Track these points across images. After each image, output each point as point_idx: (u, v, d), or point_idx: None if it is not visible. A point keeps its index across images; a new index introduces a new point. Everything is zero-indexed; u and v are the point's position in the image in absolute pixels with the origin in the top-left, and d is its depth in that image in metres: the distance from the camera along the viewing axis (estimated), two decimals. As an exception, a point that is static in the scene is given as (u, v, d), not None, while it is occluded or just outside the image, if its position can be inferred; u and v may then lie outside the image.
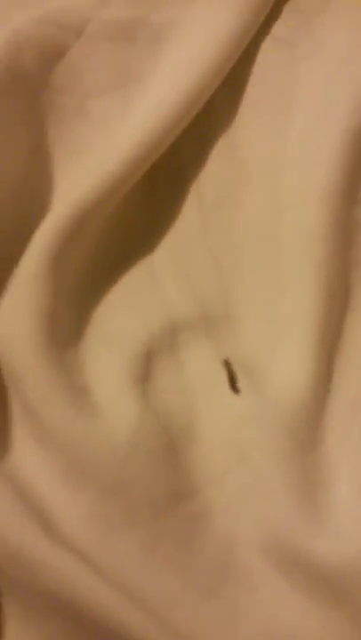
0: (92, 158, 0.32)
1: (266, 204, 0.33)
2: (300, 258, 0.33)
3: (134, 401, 0.32)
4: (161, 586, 0.28)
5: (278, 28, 0.32)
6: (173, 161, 0.34)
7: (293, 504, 0.30)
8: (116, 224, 0.34)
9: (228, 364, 0.33)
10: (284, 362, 0.32)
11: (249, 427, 0.31)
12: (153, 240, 0.35)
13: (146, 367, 0.33)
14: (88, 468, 0.29)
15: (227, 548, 0.30)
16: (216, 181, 0.34)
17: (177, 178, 0.35)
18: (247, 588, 0.29)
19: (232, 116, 0.34)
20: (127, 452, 0.30)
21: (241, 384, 0.34)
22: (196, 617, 0.28)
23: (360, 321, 0.33)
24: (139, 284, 0.34)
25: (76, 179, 0.31)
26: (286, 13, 0.32)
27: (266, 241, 0.33)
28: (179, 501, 0.31)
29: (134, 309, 0.34)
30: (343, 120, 0.31)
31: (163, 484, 0.31)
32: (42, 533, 0.26)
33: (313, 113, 0.32)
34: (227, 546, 0.30)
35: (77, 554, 0.26)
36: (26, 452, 0.29)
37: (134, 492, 0.30)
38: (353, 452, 0.31)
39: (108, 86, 0.32)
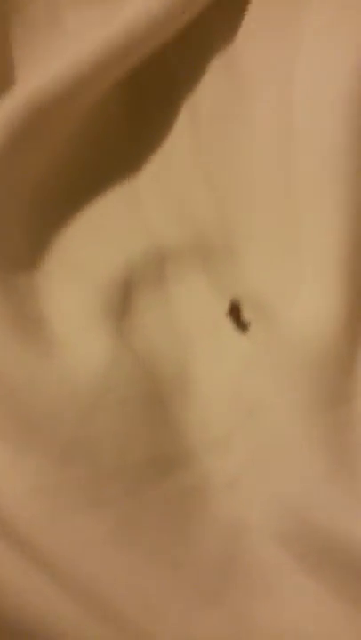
0: (61, 60, 0.28)
1: (274, 118, 0.29)
2: (321, 174, 0.28)
3: (105, 337, 0.25)
4: (140, 592, 0.20)
5: None
6: (165, 78, 0.32)
7: (323, 473, 0.22)
8: (93, 142, 0.31)
9: (233, 300, 0.26)
10: (305, 296, 0.27)
11: (260, 374, 0.25)
12: (139, 162, 0.31)
13: (123, 300, 0.27)
14: (38, 423, 0.22)
15: (232, 537, 0.22)
16: (214, 98, 0.31)
17: (168, 95, 0.32)
18: (260, 591, 0.21)
19: (233, 30, 0.31)
20: (92, 402, 0.23)
21: (249, 323, 0.26)
22: (191, 633, 0.20)
23: None
24: (120, 209, 0.30)
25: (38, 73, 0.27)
26: None
27: (275, 159, 0.29)
28: (166, 472, 0.23)
29: (112, 236, 0.29)
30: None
31: (142, 447, 0.23)
32: None
33: (325, 25, 0.29)
34: (232, 533, 0.22)
35: (20, 546, 0.20)
36: None
37: (100, 457, 0.22)
38: None
39: None
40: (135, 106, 0.32)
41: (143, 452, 0.23)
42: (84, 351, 0.24)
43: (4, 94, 0.28)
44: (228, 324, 0.27)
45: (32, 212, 0.28)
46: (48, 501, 0.21)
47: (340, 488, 0.22)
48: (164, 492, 0.22)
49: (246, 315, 0.27)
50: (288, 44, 0.29)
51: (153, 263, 0.28)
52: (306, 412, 0.24)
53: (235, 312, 0.26)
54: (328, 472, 0.22)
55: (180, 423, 0.24)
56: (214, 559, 0.21)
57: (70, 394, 0.23)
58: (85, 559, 0.20)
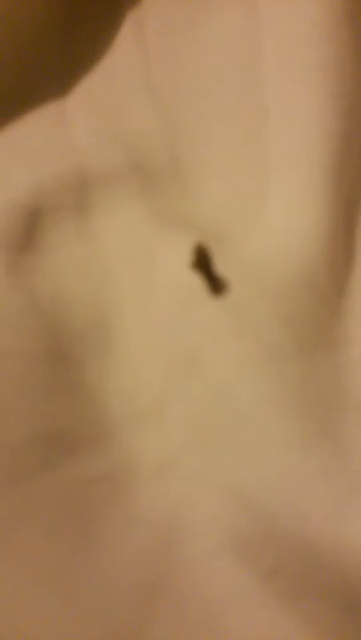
0: None
1: (236, 26, 0.27)
2: (291, 74, 0.25)
3: None
4: (17, 615, 0.14)
5: None
6: None
7: (291, 444, 0.16)
8: (19, 56, 0.27)
9: (199, 245, 0.20)
10: (274, 218, 0.22)
11: (203, 319, 0.19)
12: (68, 80, 0.28)
13: (25, 230, 0.22)
14: None
15: (160, 543, 0.16)
16: (164, 6, 0.28)
17: (108, 4, 0.29)
18: (202, 622, 0.14)
19: None
20: None
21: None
22: None
23: None
24: (37, 127, 0.26)
25: None
26: None
27: (237, 70, 0.26)
28: (63, 457, 0.17)
29: (21, 157, 0.25)
30: None
31: (29, 423, 0.17)
32: None
33: None
34: (160, 538, 0.16)
35: None
36: None
37: None
38: None
39: None
40: (69, 13, 0.29)
41: (32, 428, 0.17)
42: None
43: None
44: (165, 259, 0.21)
45: None
46: None
47: (313, 470, 0.15)
48: (56, 486, 0.16)
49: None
50: None
51: (72, 188, 0.24)
52: (267, 363, 0.18)
53: (203, 261, 0.19)
54: (296, 447, 0.16)
55: (94, 389, 0.19)
56: (132, 580, 0.15)
57: None
58: None
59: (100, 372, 0.19)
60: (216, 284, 0.19)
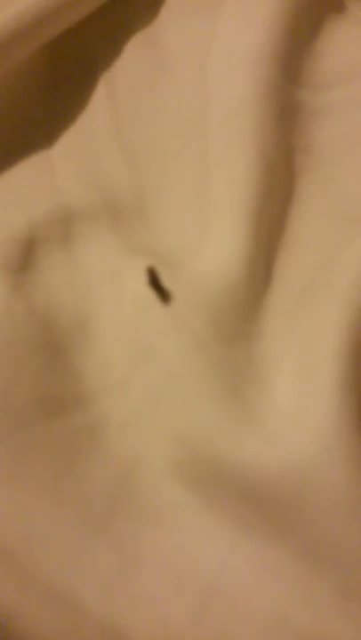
0: None
1: (189, 88, 0.32)
2: (229, 136, 0.31)
3: None
4: (22, 522, 0.20)
5: None
6: (83, 53, 0.34)
7: (214, 404, 0.23)
8: (7, 112, 0.33)
9: (150, 268, 0.27)
10: (209, 247, 0.28)
11: (156, 318, 0.26)
12: (54, 132, 0.33)
13: (24, 256, 0.28)
14: None
15: (125, 470, 0.22)
16: (132, 72, 0.34)
17: (86, 70, 0.34)
18: (151, 522, 0.21)
19: (152, 13, 0.34)
20: None
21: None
22: (73, 561, 0.20)
23: (307, 215, 0.30)
24: (31, 175, 0.31)
25: None
26: None
27: (190, 125, 0.32)
28: (56, 412, 0.24)
29: (18, 198, 0.30)
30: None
31: (30, 389, 0.23)
32: None
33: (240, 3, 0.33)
34: (125, 467, 0.23)
35: None
36: None
37: None
38: (299, 348, 0.25)
39: None
40: (53, 79, 0.34)
41: (31, 393, 0.23)
42: None
43: None
44: (129, 278, 0.28)
45: None
46: None
47: (232, 417, 0.23)
48: (52, 431, 0.23)
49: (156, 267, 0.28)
50: (206, 20, 0.33)
51: (58, 223, 0.29)
52: (198, 350, 0.25)
53: (153, 279, 0.26)
54: (220, 403, 0.23)
55: (78, 369, 0.25)
56: (103, 492, 0.22)
57: None
58: None
59: (81, 357, 0.25)
60: (164, 295, 0.27)
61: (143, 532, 0.21)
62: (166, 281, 0.27)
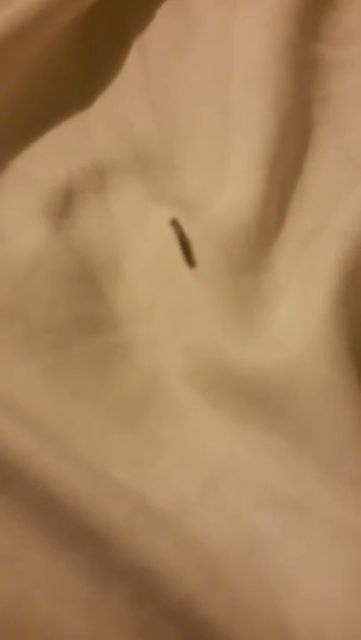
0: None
1: (216, 49, 0.35)
2: (249, 89, 0.34)
3: (41, 229, 0.30)
4: (63, 414, 0.25)
5: None
6: (117, 20, 0.38)
7: (225, 321, 0.28)
8: (49, 76, 0.37)
9: (173, 220, 0.30)
10: (228, 193, 0.32)
11: (178, 249, 0.30)
12: (90, 94, 0.37)
13: (64, 204, 0.32)
14: None
15: (149, 380, 0.27)
16: (162, 36, 0.37)
17: (120, 35, 0.38)
18: (171, 420, 0.26)
19: None
20: (25, 274, 0.29)
21: (178, 217, 0.31)
22: (107, 446, 0.25)
23: (321, 164, 0.33)
24: (68, 135, 0.35)
25: None
26: None
27: (214, 83, 0.35)
28: (91, 331, 0.28)
29: (59, 155, 0.35)
30: None
31: (69, 311, 0.28)
32: None
33: None
34: (149, 377, 0.27)
35: None
36: None
37: (32, 318, 0.28)
38: (302, 277, 0.29)
39: None
40: (89, 45, 0.38)
41: (70, 314, 0.28)
42: (21, 238, 0.30)
43: None
44: (154, 221, 0.32)
45: None
46: None
47: (238, 329, 0.27)
48: (89, 347, 0.28)
49: (179, 212, 0.32)
50: None
51: (93, 175, 0.34)
52: (213, 279, 0.29)
53: (176, 228, 0.31)
54: (230, 320, 0.28)
55: (110, 297, 0.30)
56: (133, 395, 0.27)
57: (6, 268, 0.29)
58: (21, 393, 0.26)
59: (112, 287, 0.30)
60: (185, 242, 0.30)
61: (164, 426, 0.26)
62: (188, 223, 0.31)
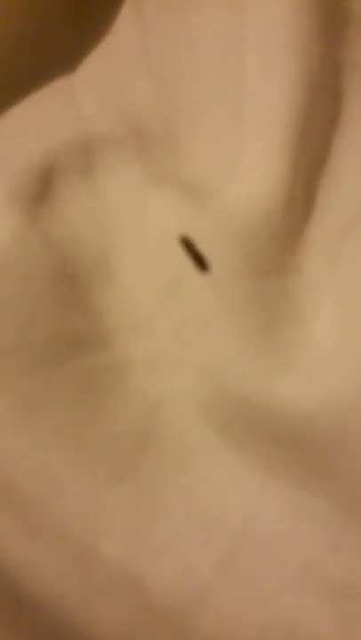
0: None
1: (225, 3, 0.30)
2: (268, 50, 0.29)
3: (11, 218, 0.25)
4: (39, 463, 0.20)
5: None
6: None
7: (245, 340, 0.23)
8: (31, 39, 0.32)
9: (183, 237, 0.25)
10: (244, 174, 0.27)
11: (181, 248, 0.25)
12: (75, 57, 0.32)
13: (41, 188, 0.27)
14: None
15: (150, 412, 0.22)
16: None
17: None
18: (177, 467, 0.21)
19: None
20: None
21: (185, 202, 0.26)
22: (95, 509, 0.20)
23: (354, 140, 0.29)
24: (48, 101, 0.30)
25: None
26: None
27: (224, 45, 0.30)
28: (77, 352, 0.23)
29: (34, 126, 0.30)
30: None
31: (47, 324, 0.23)
32: None
33: None
34: (150, 409, 0.22)
35: None
36: None
37: (0, 333, 0.22)
38: (342, 283, 0.24)
39: None
40: (77, 3, 0.33)
41: (48, 329, 0.23)
42: None
43: None
44: (154, 209, 0.27)
45: None
46: None
47: (259, 357, 0.22)
48: (72, 371, 0.22)
49: (183, 197, 0.27)
50: None
51: (79, 151, 0.28)
52: (230, 283, 0.24)
53: (190, 247, 0.25)
54: (254, 338, 0.22)
55: (99, 306, 0.25)
56: (127, 434, 0.21)
57: None
58: None
59: (102, 293, 0.25)
60: (202, 263, 0.25)
61: (169, 476, 0.20)
62: (195, 213, 0.26)
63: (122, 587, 0.18)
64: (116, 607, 0.17)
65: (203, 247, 0.24)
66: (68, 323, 0.24)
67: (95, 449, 0.21)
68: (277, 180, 0.26)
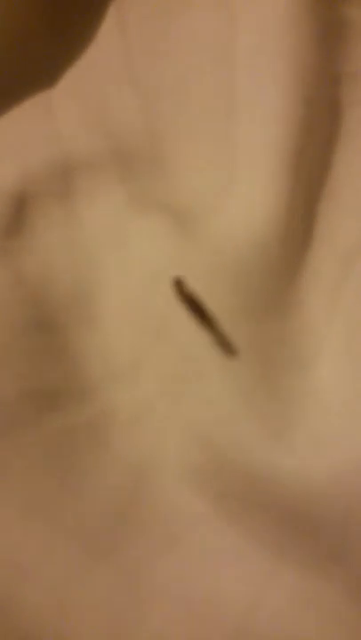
0: None
1: (212, 13, 0.29)
2: (259, 62, 0.28)
3: None
4: (7, 545, 0.18)
5: None
6: None
7: (243, 396, 0.21)
8: (6, 49, 0.31)
9: (176, 279, 0.23)
10: (238, 199, 0.25)
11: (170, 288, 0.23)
12: (54, 69, 0.30)
13: (14, 215, 0.25)
14: None
15: (133, 478, 0.20)
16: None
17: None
18: (167, 542, 0.18)
19: None
20: None
21: (173, 232, 0.24)
22: (69, 597, 0.17)
23: (355, 157, 0.27)
24: (24, 119, 0.29)
25: None
26: None
27: (212, 56, 0.29)
28: (50, 408, 0.21)
29: (7, 146, 0.28)
30: None
31: (17, 381, 0.21)
32: None
33: None
34: (133, 474, 0.20)
35: None
36: None
37: None
38: (345, 324, 0.23)
39: None
40: (54, 5, 0.32)
41: (19, 385, 0.20)
42: None
43: None
44: (138, 241, 0.25)
45: None
46: None
47: (258, 415, 0.20)
48: (44, 432, 0.20)
49: (172, 226, 0.25)
50: None
51: (57, 174, 0.27)
52: (228, 323, 0.21)
53: (180, 290, 0.23)
54: (246, 398, 0.20)
55: (77, 353, 0.23)
56: (107, 508, 0.19)
57: None
58: None
59: (81, 338, 0.23)
60: (199, 310, 0.22)
61: (156, 556, 0.18)
62: (183, 242, 0.24)
63: None
64: None
65: (194, 286, 0.22)
66: (42, 375, 0.21)
67: (69, 524, 0.18)
68: (273, 207, 0.24)
